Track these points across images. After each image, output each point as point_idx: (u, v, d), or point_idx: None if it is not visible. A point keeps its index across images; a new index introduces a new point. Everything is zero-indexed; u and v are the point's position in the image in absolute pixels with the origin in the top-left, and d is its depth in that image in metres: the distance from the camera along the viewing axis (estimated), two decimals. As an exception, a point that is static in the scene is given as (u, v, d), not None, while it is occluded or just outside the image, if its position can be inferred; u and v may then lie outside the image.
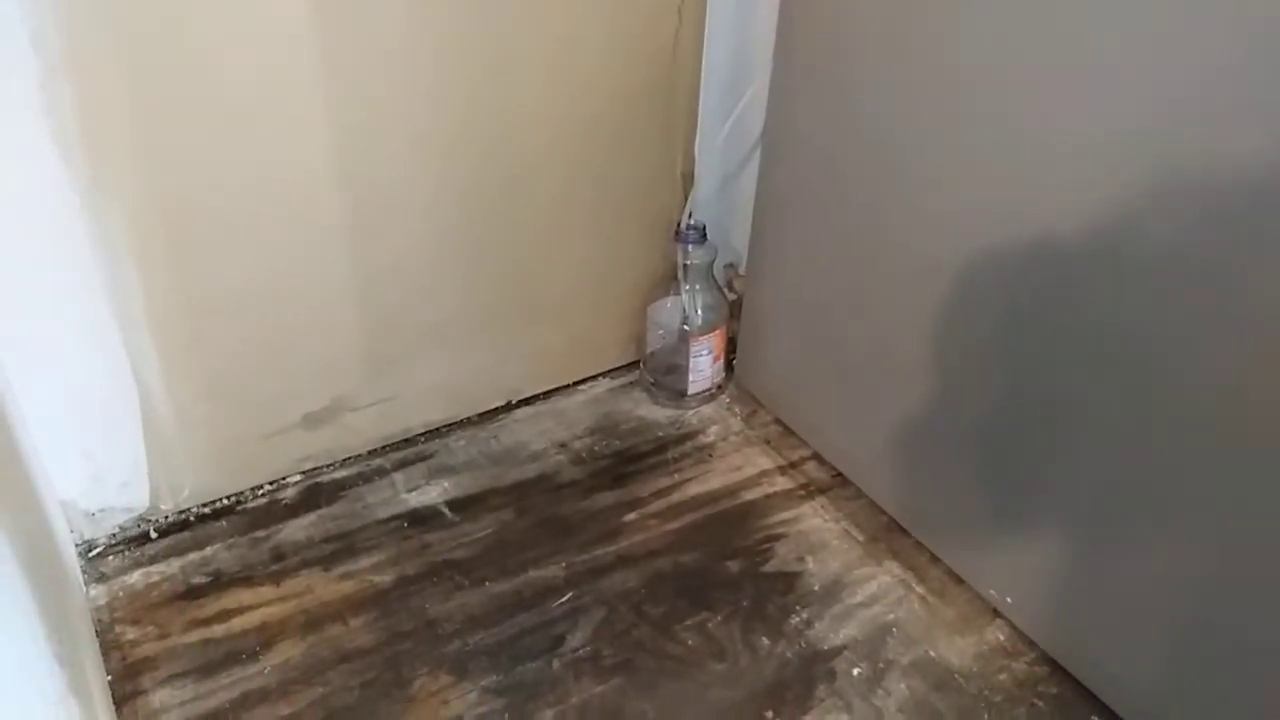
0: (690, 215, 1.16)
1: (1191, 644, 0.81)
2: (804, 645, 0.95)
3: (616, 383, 1.29)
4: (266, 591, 0.98)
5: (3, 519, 0.57)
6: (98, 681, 0.84)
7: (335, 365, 1.07)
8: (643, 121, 1.12)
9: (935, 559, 1.04)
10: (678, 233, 1.16)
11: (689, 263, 1.17)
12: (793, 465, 1.17)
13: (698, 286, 1.19)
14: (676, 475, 1.15)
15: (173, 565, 1.00)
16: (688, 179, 1.18)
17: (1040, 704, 0.90)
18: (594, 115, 1.08)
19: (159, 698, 0.88)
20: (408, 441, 1.17)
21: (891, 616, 0.98)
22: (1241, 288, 0.69)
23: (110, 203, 0.85)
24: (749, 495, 1.12)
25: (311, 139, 0.92)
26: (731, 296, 1.28)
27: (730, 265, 1.31)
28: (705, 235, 1.16)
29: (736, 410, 1.25)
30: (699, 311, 1.19)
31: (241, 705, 0.87)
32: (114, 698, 0.87)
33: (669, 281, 1.20)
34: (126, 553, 1.01)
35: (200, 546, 1.02)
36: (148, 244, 0.89)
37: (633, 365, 1.31)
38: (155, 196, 0.87)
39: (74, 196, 0.82)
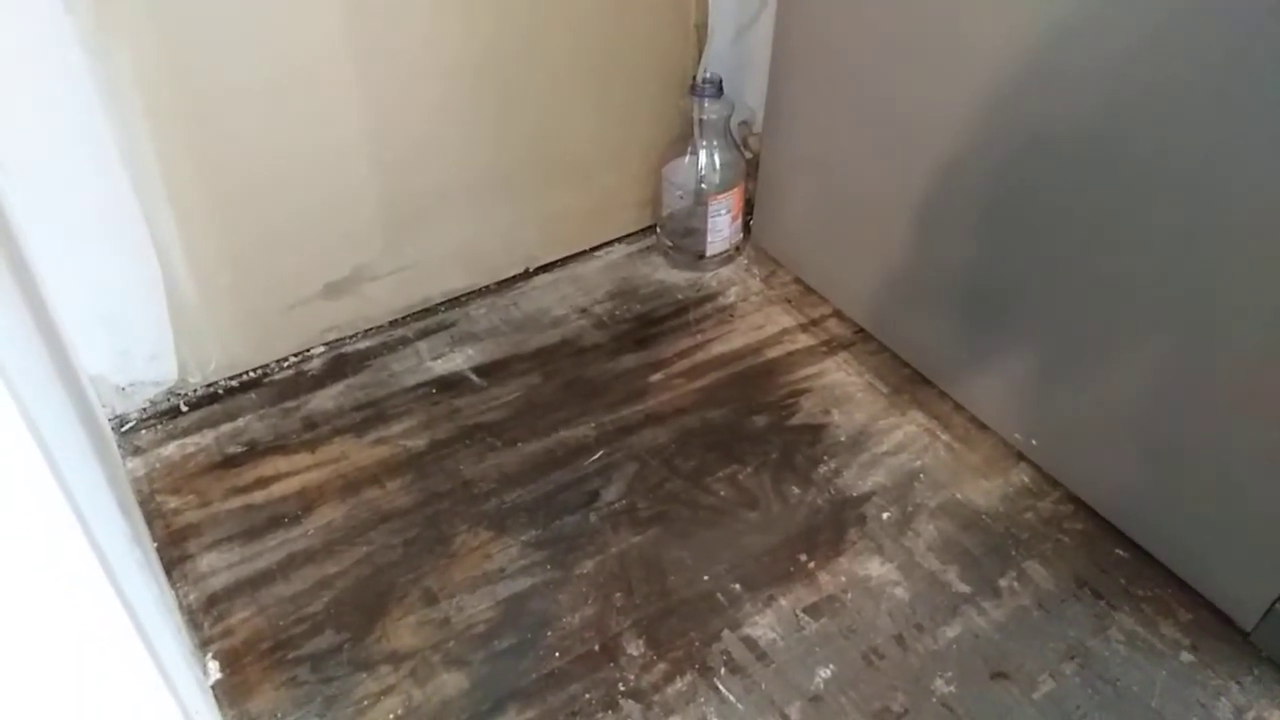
0: (705, 69, 1.13)
1: (1205, 474, 0.83)
2: (833, 492, 0.97)
3: (633, 248, 1.28)
4: (302, 459, 0.99)
5: (51, 358, 0.57)
6: (147, 546, 0.86)
7: (354, 232, 1.05)
8: (655, -31, 1.08)
9: (959, 407, 1.06)
10: (693, 87, 1.13)
11: (705, 118, 1.14)
12: (814, 323, 1.17)
13: (714, 143, 1.17)
14: (699, 336, 1.15)
15: (206, 437, 1.01)
16: (702, 30, 1.14)
17: (1065, 539, 0.93)
18: (605, -36, 1.04)
19: (207, 561, 0.90)
20: (428, 311, 1.17)
21: (918, 463, 1.00)
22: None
23: (119, 59, 0.82)
24: (772, 353, 1.13)
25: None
26: (747, 155, 1.26)
27: (744, 123, 1.28)
28: (721, 89, 1.13)
29: (755, 271, 1.25)
30: (716, 169, 1.17)
31: (289, 565, 0.89)
32: (163, 563, 0.89)
33: (685, 140, 1.18)
34: (159, 426, 1.02)
35: (232, 418, 1.03)
36: (159, 106, 0.86)
37: (649, 230, 1.29)
38: (165, 56, 0.84)
39: (80, 52, 0.79)
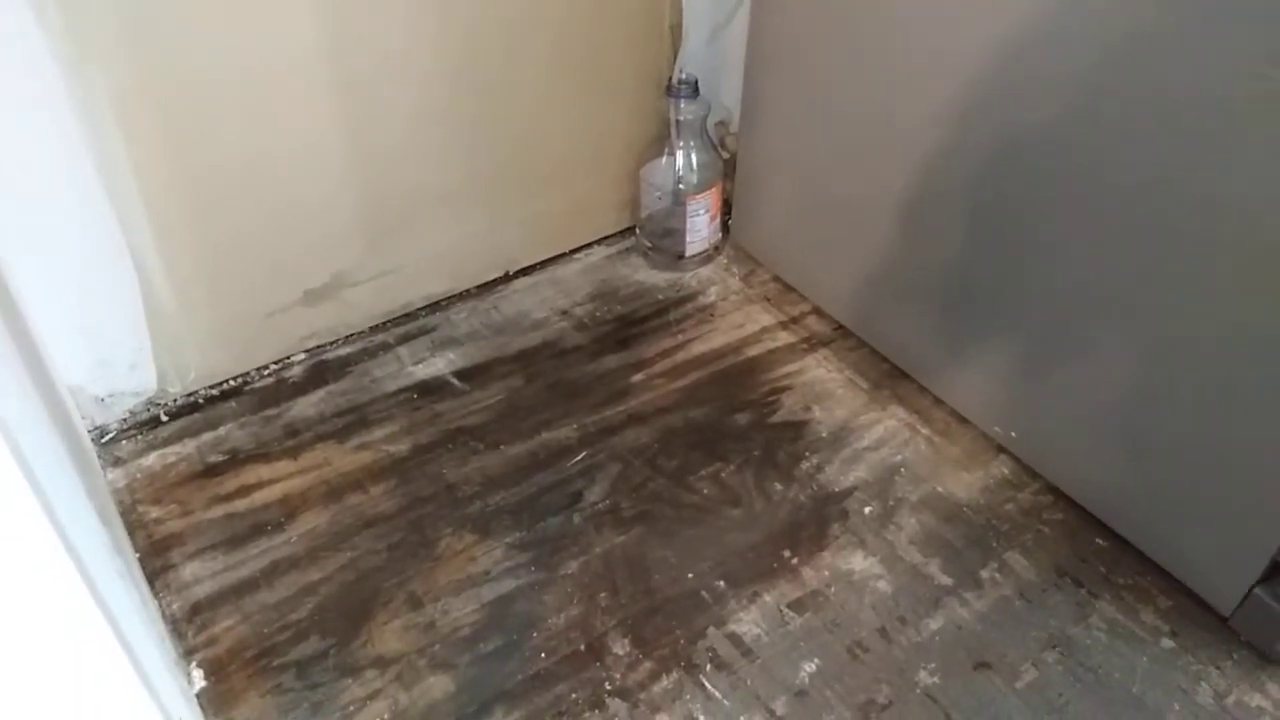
0: (681, 70, 1.14)
1: (1182, 463, 0.84)
2: (816, 488, 0.98)
3: (612, 249, 1.29)
4: (284, 466, 0.99)
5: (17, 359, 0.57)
6: (129, 556, 0.86)
7: (333, 239, 1.05)
8: (629, -29, 1.09)
9: (939, 401, 1.06)
10: (669, 88, 1.14)
11: (682, 119, 1.15)
12: (794, 320, 1.18)
13: (692, 144, 1.17)
14: (680, 336, 1.15)
15: (187, 446, 1.01)
16: (676, 31, 1.15)
17: (1045, 530, 0.94)
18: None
19: (190, 570, 0.89)
20: (408, 316, 1.17)
21: (899, 458, 1.01)
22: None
23: (91, 68, 0.82)
24: (752, 351, 1.13)
25: (300, 4, 0.89)
26: (724, 155, 1.26)
27: (721, 123, 1.29)
28: (697, 89, 1.14)
29: (734, 270, 1.25)
30: (694, 169, 1.18)
31: (273, 573, 0.89)
32: (145, 573, 0.89)
33: (662, 141, 1.18)
34: (139, 436, 1.01)
35: (213, 427, 1.03)
36: (133, 114, 0.86)
37: (628, 231, 1.30)
38: (138, 64, 0.84)
39: (52, 63, 0.79)
